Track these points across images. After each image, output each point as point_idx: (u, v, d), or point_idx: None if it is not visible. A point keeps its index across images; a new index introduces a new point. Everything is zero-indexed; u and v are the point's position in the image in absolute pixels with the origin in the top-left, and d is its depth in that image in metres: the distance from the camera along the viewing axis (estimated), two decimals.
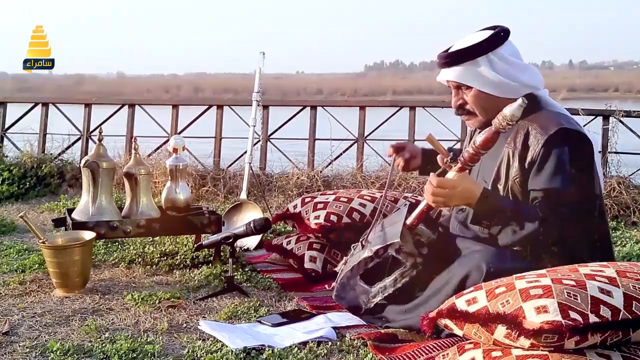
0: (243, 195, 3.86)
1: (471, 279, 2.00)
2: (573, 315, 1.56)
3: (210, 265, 2.98)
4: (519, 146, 2.11)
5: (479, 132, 2.32)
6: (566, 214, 2.03)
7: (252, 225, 2.69)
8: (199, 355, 1.99)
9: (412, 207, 2.39)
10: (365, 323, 2.28)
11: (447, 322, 1.78)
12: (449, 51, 2.23)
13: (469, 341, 1.79)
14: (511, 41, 2.21)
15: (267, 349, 2.02)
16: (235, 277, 2.75)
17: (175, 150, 3.24)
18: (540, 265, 1.95)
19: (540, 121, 2.11)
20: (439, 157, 2.17)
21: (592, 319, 1.56)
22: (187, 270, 2.95)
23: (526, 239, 2.06)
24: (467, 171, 2.15)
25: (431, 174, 2.15)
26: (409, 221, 2.27)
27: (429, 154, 2.52)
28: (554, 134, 2.06)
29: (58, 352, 1.99)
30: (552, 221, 2.02)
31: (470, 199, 2.09)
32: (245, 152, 4.26)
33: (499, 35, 2.18)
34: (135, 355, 1.99)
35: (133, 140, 3.42)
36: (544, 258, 2.04)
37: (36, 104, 5.93)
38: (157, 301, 2.49)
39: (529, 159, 2.09)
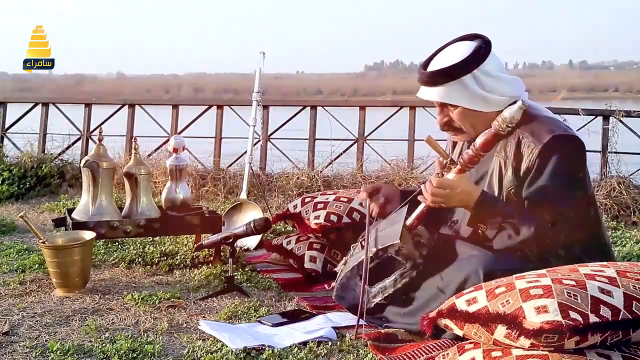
0: (243, 195, 3.86)
1: (469, 283, 1.98)
2: (573, 315, 1.56)
3: (210, 265, 2.98)
4: (511, 155, 2.10)
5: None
6: (565, 219, 2.03)
7: (252, 225, 2.69)
8: (199, 355, 1.99)
9: (412, 207, 2.39)
10: (365, 323, 2.28)
11: (447, 322, 1.78)
12: (432, 70, 2.18)
13: (469, 341, 1.79)
14: (494, 53, 2.16)
15: (267, 349, 2.02)
16: (235, 277, 2.75)
17: (175, 150, 3.24)
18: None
19: (531, 129, 2.09)
20: (437, 159, 2.17)
21: (592, 319, 1.56)
22: (187, 270, 2.95)
23: (521, 245, 2.05)
24: (467, 173, 2.15)
25: (434, 174, 2.14)
26: (408, 222, 2.26)
27: (408, 196, 2.38)
28: (548, 143, 2.04)
29: (58, 352, 1.99)
30: (550, 227, 2.02)
31: (468, 200, 2.08)
32: (245, 152, 4.27)
33: (482, 50, 2.13)
34: (135, 355, 1.99)
35: (133, 140, 3.42)
36: (551, 261, 2.03)
37: (36, 104, 5.93)
38: (157, 301, 2.49)
39: (523, 168, 2.08)
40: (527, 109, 2.13)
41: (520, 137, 2.09)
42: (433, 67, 2.20)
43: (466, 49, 2.15)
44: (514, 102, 2.04)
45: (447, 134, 2.31)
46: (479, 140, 2.04)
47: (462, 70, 2.11)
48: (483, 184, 2.18)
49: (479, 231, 2.13)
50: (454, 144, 2.44)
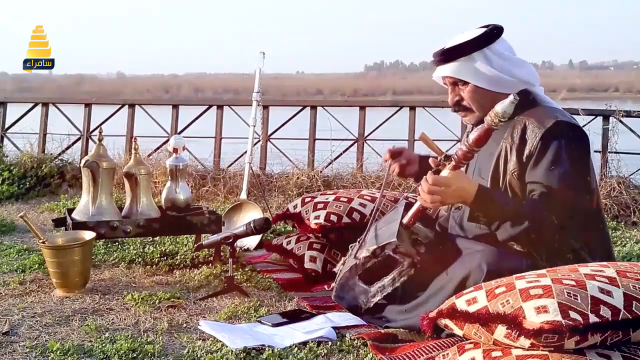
0: (243, 195, 3.85)
1: (472, 278, 2.00)
2: (573, 315, 1.56)
3: (210, 265, 2.98)
4: (517, 140, 2.13)
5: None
6: (565, 211, 2.03)
7: (252, 225, 2.68)
8: (199, 355, 1.99)
9: (409, 205, 2.39)
10: (365, 323, 2.28)
11: (447, 322, 1.78)
12: (445, 48, 2.24)
13: (469, 341, 1.79)
14: (505, 38, 2.23)
15: (267, 349, 2.02)
16: (235, 277, 2.74)
17: (175, 150, 3.24)
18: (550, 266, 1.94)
19: (536, 115, 2.13)
20: (431, 157, 2.18)
21: (592, 319, 1.57)
22: (187, 270, 2.95)
23: (525, 233, 2.07)
24: (463, 169, 2.16)
25: (429, 172, 2.15)
26: (405, 220, 2.27)
27: (426, 161, 2.50)
28: (551, 127, 2.08)
29: (58, 352, 1.99)
30: (550, 213, 2.03)
31: (465, 196, 2.09)
32: (245, 152, 4.27)
33: (494, 32, 2.20)
34: (135, 355, 1.99)
35: (133, 140, 3.42)
36: (559, 264, 2.03)
37: (36, 104, 5.94)
38: (157, 301, 2.49)
39: (526, 152, 2.11)
40: (535, 98, 2.18)
41: (526, 122, 2.13)
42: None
43: (479, 31, 2.22)
44: (523, 95, 2.06)
45: (458, 115, 2.35)
46: (472, 136, 2.05)
47: (473, 47, 2.18)
48: (489, 168, 2.19)
49: (480, 223, 2.15)
50: (468, 134, 2.46)
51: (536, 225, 2.05)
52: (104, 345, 2.05)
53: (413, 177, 2.56)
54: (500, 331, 1.63)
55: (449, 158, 2.12)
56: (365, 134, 5.34)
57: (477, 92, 2.21)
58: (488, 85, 2.19)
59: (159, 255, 3.11)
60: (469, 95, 2.23)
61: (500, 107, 1.98)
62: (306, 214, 2.96)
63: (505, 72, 2.18)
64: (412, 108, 5.34)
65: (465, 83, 2.22)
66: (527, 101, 2.13)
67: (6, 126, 5.89)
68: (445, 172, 2.12)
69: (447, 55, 2.22)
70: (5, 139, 5.81)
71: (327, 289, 2.64)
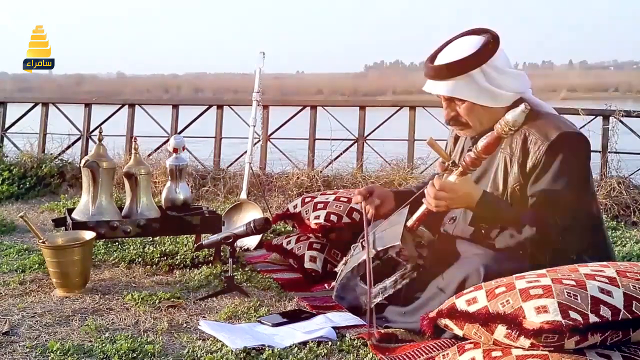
0: (243, 195, 3.86)
1: (469, 282, 1.98)
2: (573, 315, 1.56)
3: (210, 265, 2.98)
4: (517, 152, 2.10)
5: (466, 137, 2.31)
6: (568, 218, 2.03)
7: (252, 225, 2.68)
8: (199, 355, 1.99)
9: (413, 208, 2.38)
10: (365, 323, 2.28)
11: (447, 322, 1.78)
12: (440, 63, 2.16)
13: (469, 341, 1.79)
14: (501, 48, 2.16)
15: (267, 349, 2.02)
16: (235, 277, 2.74)
17: (175, 150, 3.24)
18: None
19: (536, 127, 2.09)
20: (439, 161, 2.16)
21: (592, 318, 1.57)
22: (187, 270, 2.95)
23: (524, 244, 2.06)
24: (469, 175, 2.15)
25: (436, 176, 2.14)
26: (409, 223, 2.26)
27: (401, 196, 2.40)
28: (555, 140, 2.05)
29: (58, 352, 1.99)
30: (552, 226, 2.02)
31: (470, 201, 2.08)
32: (245, 152, 4.27)
33: (491, 45, 2.13)
34: (135, 355, 1.99)
35: (133, 140, 3.42)
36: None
37: (36, 104, 5.94)
38: (157, 301, 2.49)
39: (529, 164, 2.08)
40: (531, 106, 2.14)
41: (527, 133, 2.09)
42: (441, 60, 2.18)
43: (475, 43, 2.14)
44: (517, 105, 2.04)
45: (451, 127, 2.31)
46: (481, 143, 2.03)
47: (471, 65, 2.10)
48: (487, 180, 2.18)
49: (481, 230, 2.14)
50: (455, 140, 2.44)
51: (540, 227, 2.04)
52: (104, 345, 2.05)
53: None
54: (500, 331, 1.63)
55: (456, 164, 2.11)
56: (366, 134, 5.34)
57: (475, 108, 2.16)
58: (486, 101, 2.14)
59: (159, 255, 3.11)
60: (465, 112, 2.18)
61: (512, 115, 1.95)
62: (306, 213, 2.97)
63: (502, 88, 2.13)
64: (412, 108, 5.34)
65: (462, 100, 2.16)
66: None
67: (6, 126, 5.89)
68: (452, 178, 2.10)
69: (442, 73, 2.14)
70: (5, 139, 5.81)
71: (327, 288, 2.64)
